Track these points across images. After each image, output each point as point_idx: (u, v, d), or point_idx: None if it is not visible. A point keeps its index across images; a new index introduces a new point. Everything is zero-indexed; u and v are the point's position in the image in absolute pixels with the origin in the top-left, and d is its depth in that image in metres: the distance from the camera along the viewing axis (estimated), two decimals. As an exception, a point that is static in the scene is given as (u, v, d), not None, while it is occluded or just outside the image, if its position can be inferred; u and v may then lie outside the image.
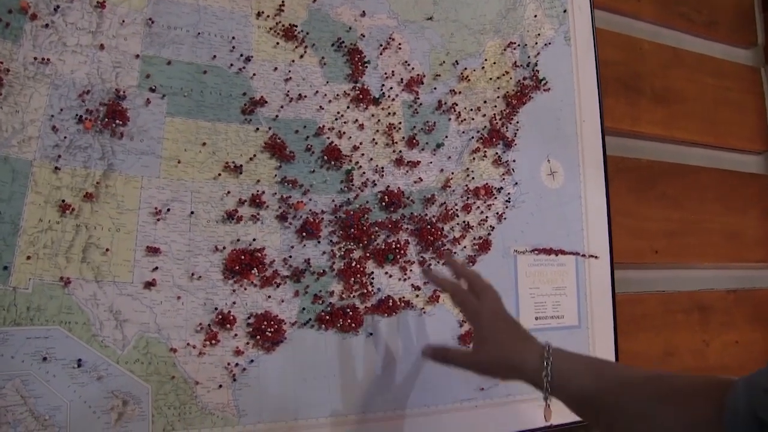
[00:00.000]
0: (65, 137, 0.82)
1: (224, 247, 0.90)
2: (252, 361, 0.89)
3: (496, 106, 1.14)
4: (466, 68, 1.12)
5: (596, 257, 1.20)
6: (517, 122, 1.16)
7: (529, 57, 1.19)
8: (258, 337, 0.90)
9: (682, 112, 1.51)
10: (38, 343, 0.78)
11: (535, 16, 1.22)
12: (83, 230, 0.82)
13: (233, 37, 0.94)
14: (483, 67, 1.14)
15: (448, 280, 0.91)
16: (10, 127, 0.80)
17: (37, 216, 0.80)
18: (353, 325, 0.96)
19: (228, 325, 0.88)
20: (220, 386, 0.87)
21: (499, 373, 0.84)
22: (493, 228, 1.11)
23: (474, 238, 1.09)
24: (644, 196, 1.40)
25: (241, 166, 0.92)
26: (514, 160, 1.14)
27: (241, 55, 0.94)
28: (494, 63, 1.15)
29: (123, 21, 0.88)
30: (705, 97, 1.57)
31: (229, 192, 0.91)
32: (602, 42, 1.35)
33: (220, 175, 0.91)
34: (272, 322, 0.91)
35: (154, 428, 0.82)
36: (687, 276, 1.48)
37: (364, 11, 1.04)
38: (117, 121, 0.85)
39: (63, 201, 0.81)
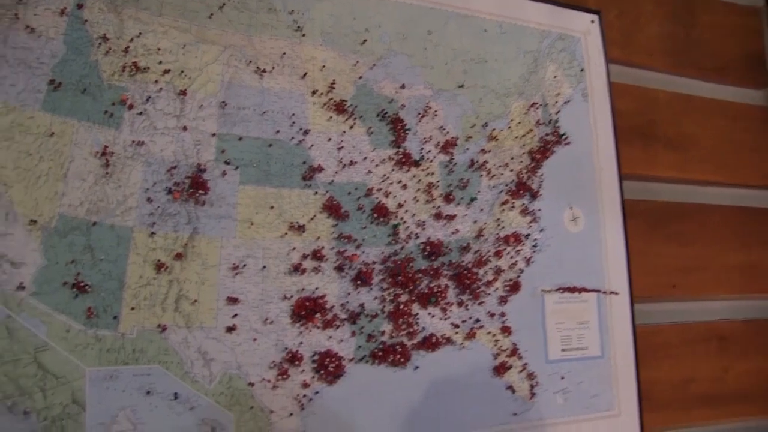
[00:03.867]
0: (158, 206, 0.98)
1: (291, 296, 1.05)
2: (317, 392, 1.04)
3: (522, 162, 1.28)
4: (494, 129, 1.27)
5: (616, 293, 1.33)
6: (541, 175, 1.29)
7: (550, 115, 1.33)
8: (321, 371, 1.04)
9: (696, 154, 1.62)
10: (142, 380, 0.93)
11: (555, 77, 1.36)
12: (175, 284, 0.98)
13: (293, 114, 1.10)
14: (509, 127, 1.28)
15: None
16: (115, 200, 0.96)
17: (138, 273, 0.96)
18: (402, 360, 1.10)
19: (296, 362, 1.03)
20: (291, 414, 1.02)
21: None
22: (522, 271, 1.24)
23: (505, 281, 1.22)
24: (660, 235, 1.52)
25: (304, 225, 1.07)
26: (539, 210, 1.28)
27: (300, 129, 1.10)
28: (519, 122, 1.30)
29: (201, 105, 1.04)
30: (718, 139, 1.67)
31: (294, 248, 1.06)
32: (618, 95, 1.48)
33: (286, 233, 1.06)
34: (333, 359, 1.05)
35: (238, 451, 0.97)
36: (704, 308, 1.58)
37: (403, 84, 1.20)
38: (199, 191, 1.01)
39: (158, 260, 0.97)
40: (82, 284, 0.92)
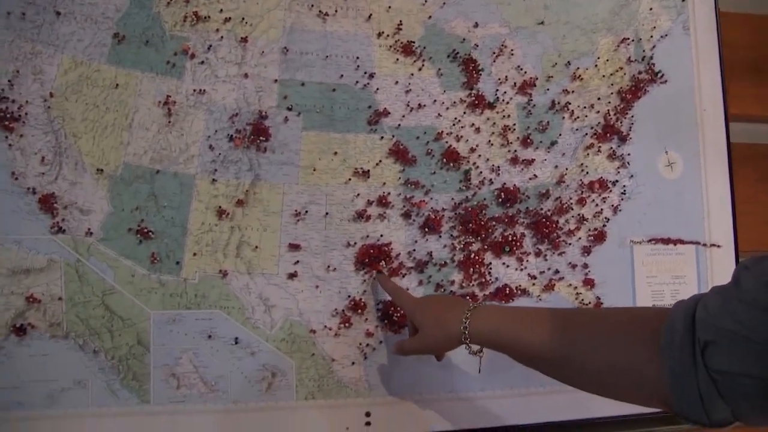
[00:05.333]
0: (220, 154, 0.99)
1: (355, 243, 1.03)
2: (381, 342, 1.02)
3: (609, 102, 1.19)
4: (578, 68, 1.18)
5: (718, 246, 1.22)
6: (632, 116, 1.20)
7: (644, 51, 1.23)
8: (386, 321, 1.03)
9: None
10: (204, 324, 0.96)
11: (651, 9, 1.25)
12: (237, 231, 0.98)
13: (357, 57, 1.07)
14: (596, 65, 1.19)
15: (391, 282, 1.00)
16: (177, 148, 0.97)
17: (200, 220, 0.97)
18: (472, 310, 1.06)
19: (359, 311, 1.02)
20: (353, 363, 1.01)
21: (443, 346, 0.89)
22: (609, 219, 1.16)
23: (589, 230, 1.15)
24: (774, 182, 1.39)
25: (369, 171, 1.05)
26: (629, 154, 1.18)
27: (365, 73, 1.07)
28: (607, 60, 1.20)
29: (263, 52, 1.03)
30: None
31: (358, 194, 1.04)
32: (727, 26, 1.33)
33: (350, 179, 1.04)
34: (398, 308, 1.03)
35: (297, 397, 0.98)
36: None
37: (476, 22, 1.14)
38: (261, 138, 1.00)
39: (220, 207, 0.98)
40: (146, 230, 0.94)
